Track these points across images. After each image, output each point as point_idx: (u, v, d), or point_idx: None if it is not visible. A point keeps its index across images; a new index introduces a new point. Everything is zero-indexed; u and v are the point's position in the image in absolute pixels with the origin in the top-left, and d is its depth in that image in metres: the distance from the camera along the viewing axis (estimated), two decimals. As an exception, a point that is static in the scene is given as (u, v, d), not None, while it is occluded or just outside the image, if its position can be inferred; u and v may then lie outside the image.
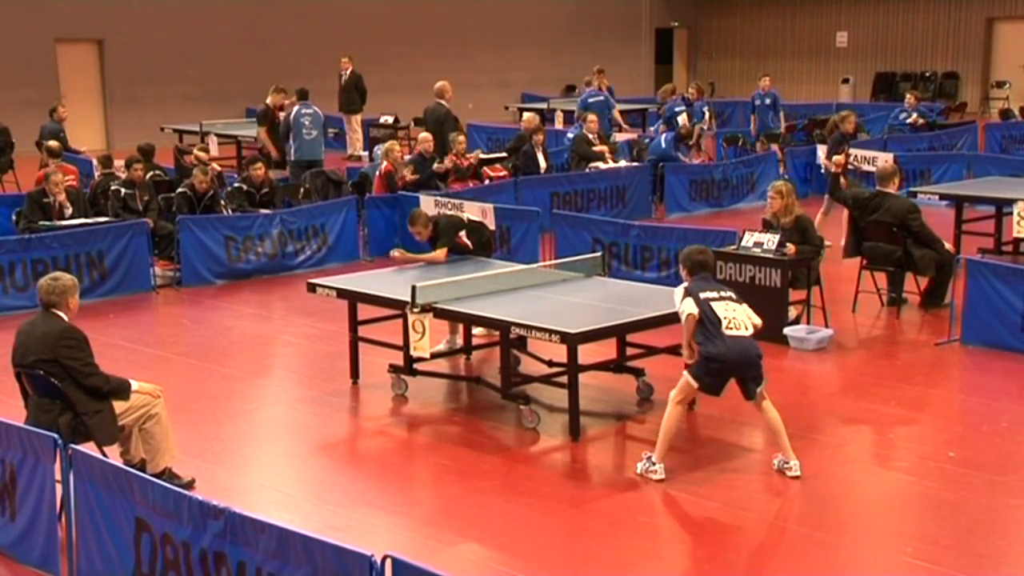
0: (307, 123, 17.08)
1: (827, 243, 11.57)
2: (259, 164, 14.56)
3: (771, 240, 10.35)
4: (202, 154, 14.93)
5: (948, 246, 11.33)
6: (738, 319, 7.36)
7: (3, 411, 7.42)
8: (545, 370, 9.05)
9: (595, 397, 8.94)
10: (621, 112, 20.90)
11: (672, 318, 7.73)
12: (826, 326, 10.50)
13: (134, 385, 7.12)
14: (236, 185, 14.44)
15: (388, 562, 4.77)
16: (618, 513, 7.05)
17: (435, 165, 15.04)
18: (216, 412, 8.96)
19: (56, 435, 6.21)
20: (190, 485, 7.13)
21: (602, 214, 15.11)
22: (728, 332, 7.28)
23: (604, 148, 17.07)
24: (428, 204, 12.20)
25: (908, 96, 21.55)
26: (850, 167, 14.93)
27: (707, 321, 7.31)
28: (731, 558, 6.56)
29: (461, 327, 9.79)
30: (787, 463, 7.45)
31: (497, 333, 8.93)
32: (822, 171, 15.50)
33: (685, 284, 7.56)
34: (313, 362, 10.28)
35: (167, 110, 24.06)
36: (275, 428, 8.84)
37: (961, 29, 31.10)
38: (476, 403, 9.13)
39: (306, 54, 25.93)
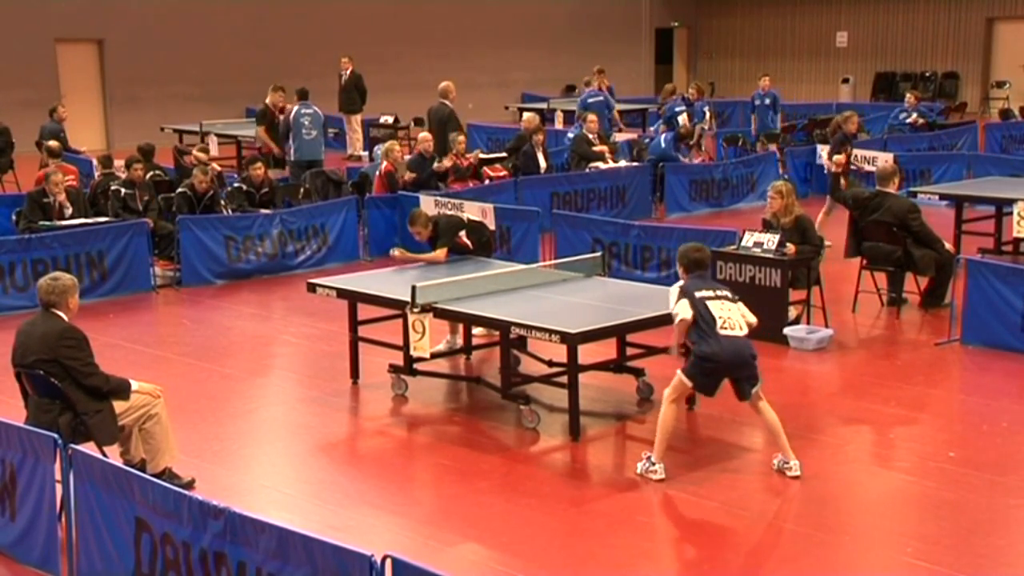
0: (307, 123, 17.07)
1: (827, 243, 11.57)
2: (258, 164, 14.56)
3: (771, 240, 10.35)
4: (202, 154, 14.92)
5: (948, 246, 11.33)
6: (733, 319, 7.36)
7: (3, 411, 7.43)
8: (545, 370, 9.05)
9: (595, 397, 8.94)
10: (619, 112, 20.91)
11: (672, 318, 7.73)
12: (826, 326, 10.50)
13: (134, 385, 7.12)
14: (236, 185, 14.44)
15: (388, 562, 4.77)
16: (618, 513, 7.05)
17: (435, 165, 15.04)
18: (216, 412, 8.96)
19: (56, 435, 6.21)
20: (190, 485, 7.13)
21: (602, 214, 15.11)
22: (723, 332, 7.29)
23: (604, 148, 17.07)
24: (428, 204, 12.20)
25: (908, 96, 21.55)
26: (852, 167, 14.93)
27: (701, 321, 7.31)
28: (731, 558, 6.56)
29: (461, 327, 9.79)
30: (787, 463, 7.45)
31: (497, 333, 8.93)
32: (825, 171, 15.49)
33: (681, 283, 7.55)
34: (313, 362, 10.28)
35: (167, 110, 24.06)
36: (275, 428, 8.84)
37: (961, 29, 31.10)
38: (476, 403, 9.13)
39: (306, 54, 25.93)
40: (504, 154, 17.17)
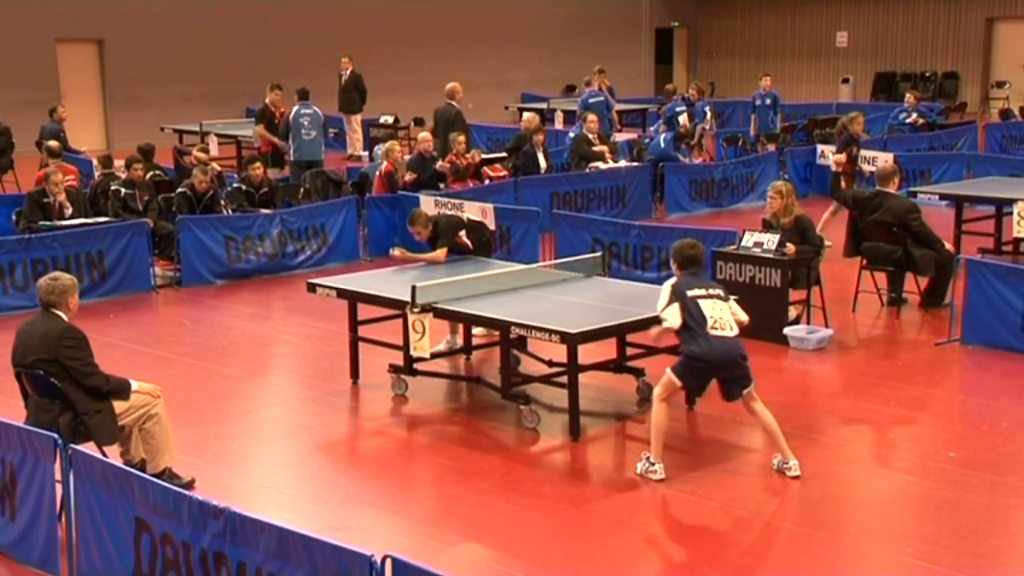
0: (307, 123, 17.08)
1: (827, 243, 11.57)
2: (257, 164, 14.56)
3: (771, 240, 10.35)
4: (202, 154, 14.92)
5: (948, 246, 11.33)
6: (724, 319, 7.36)
7: (3, 411, 7.42)
8: (545, 370, 9.05)
9: (595, 397, 8.94)
10: (618, 112, 20.90)
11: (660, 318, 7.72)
12: (826, 326, 10.50)
13: (134, 385, 7.12)
14: (235, 185, 14.44)
15: (388, 562, 4.77)
16: (618, 513, 7.05)
17: (437, 165, 15.03)
18: (216, 412, 8.96)
19: (56, 435, 6.21)
20: (190, 485, 7.13)
21: (602, 214, 15.11)
22: (713, 332, 7.28)
23: (604, 148, 17.07)
24: (428, 204, 12.20)
25: (908, 96, 21.56)
26: (855, 168, 14.91)
27: (692, 320, 7.31)
28: (731, 558, 6.56)
29: (461, 327, 9.79)
30: (786, 463, 7.45)
31: (497, 333, 8.93)
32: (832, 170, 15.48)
33: (673, 281, 7.52)
34: (313, 362, 10.28)
35: (167, 110, 24.06)
36: (275, 428, 8.84)
37: (961, 29, 31.10)
38: (476, 403, 9.13)
39: (306, 54, 25.93)
40: (504, 154, 17.17)
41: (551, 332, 7.90)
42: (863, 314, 11.30)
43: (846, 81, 32.05)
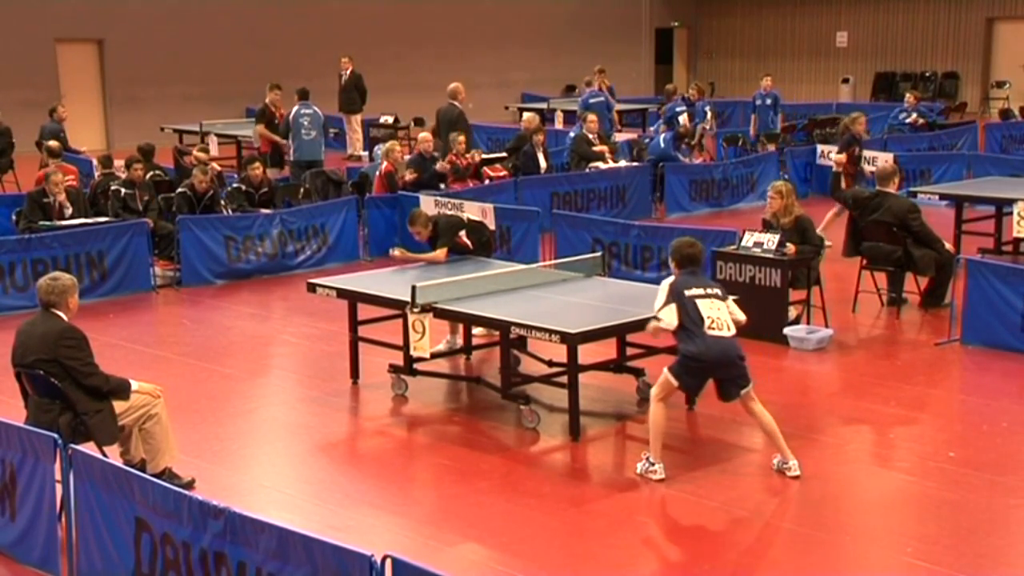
0: (307, 123, 17.08)
1: (827, 243, 11.57)
2: (256, 164, 14.56)
3: (771, 240, 10.35)
4: (202, 154, 14.92)
5: (948, 246, 11.33)
6: (721, 319, 7.35)
7: (3, 411, 7.43)
8: (545, 370, 9.05)
9: (595, 397, 8.94)
10: (619, 112, 20.89)
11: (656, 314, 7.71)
12: (826, 326, 10.50)
13: (134, 385, 7.12)
14: (235, 186, 14.44)
15: (388, 562, 4.77)
16: (618, 513, 7.05)
17: (437, 165, 15.03)
18: (216, 412, 8.96)
19: (56, 435, 6.21)
20: (190, 485, 7.13)
21: (602, 214, 15.11)
22: (710, 332, 7.28)
23: (604, 148, 17.07)
24: (428, 204, 12.20)
25: (908, 96, 21.56)
26: (857, 169, 14.91)
27: (688, 320, 7.31)
28: (731, 558, 6.56)
29: (461, 327, 9.79)
30: (785, 463, 7.45)
31: (497, 333, 8.93)
32: (833, 170, 15.49)
33: (671, 280, 7.51)
34: (313, 362, 10.28)
35: (167, 110, 24.05)
36: (275, 428, 8.84)
37: (961, 29, 31.10)
38: (476, 403, 9.13)
39: (306, 54, 25.93)
40: (504, 154, 17.17)
41: (551, 332, 7.90)
42: (863, 314, 11.30)
43: (846, 81, 32.05)
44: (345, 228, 14.07)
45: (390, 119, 22.34)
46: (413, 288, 8.48)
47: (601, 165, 16.62)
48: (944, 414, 8.97)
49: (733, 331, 7.38)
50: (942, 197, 13.94)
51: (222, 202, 13.91)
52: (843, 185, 14.13)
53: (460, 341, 9.95)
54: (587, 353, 8.57)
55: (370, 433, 8.78)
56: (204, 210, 13.50)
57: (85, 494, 5.98)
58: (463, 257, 10.12)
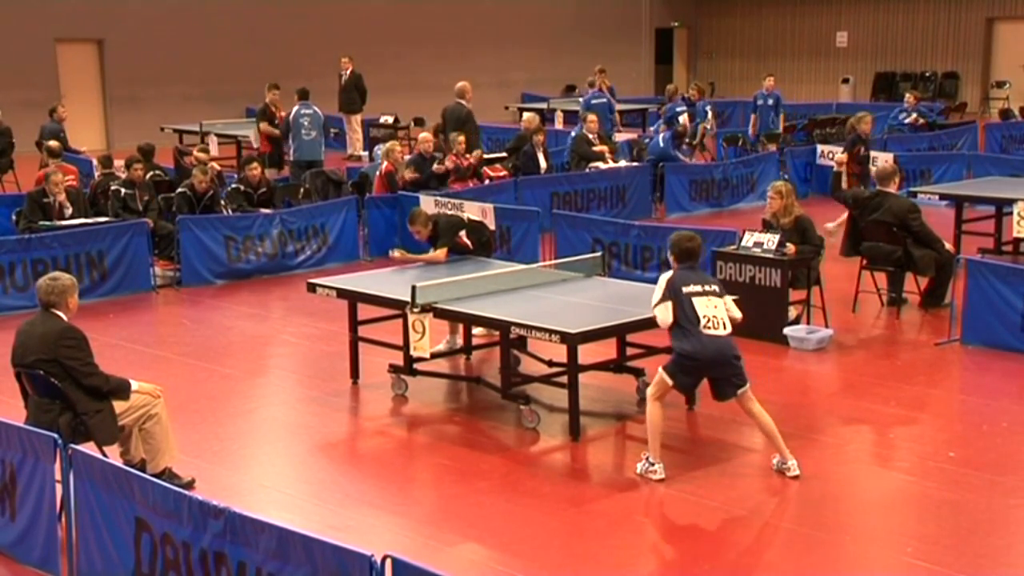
0: (307, 123, 17.09)
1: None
2: (255, 164, 14.54)
3: (771, 240, 10.35)
4: (202, 155, 14.92)
5: (948, 246, 11.33)
6: (718, 317, 7.34)
7: (3, 411, 7.42)
8: (545, 370, 9.05)
9: (595, 397, 8.94)
10: (619, 112, 20.90)
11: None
12: (826, 326, 10.50)
13: (134, 385, 7.12)
14: (233, 186, 14.43)
15: (388, 562, 4.77)
16: (618, 513, 7.05)
17: (435, 166, 15.03)
18: (216, 412, 8.96)
19: (56, 435, 6.21)
20: (190, 485, 7.13)
21: (602, 214, 15.11)
22: (706, 331, 7.28)
23: (604, 148, 17.07)
24: (428, 204, 12.20)
25: (907, 96, 21.56)
26: (863, 170, 14.89)
27: (684, 319, 7.30)
28: (730, 558, 6.57)
29: (461, 327, 9.79)
30: (785, 463, 7.45)
31: (497, 333, 8.93)
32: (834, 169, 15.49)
33: (669, 275, 7.49)
34: (313, 362, 10.28)
35: (167, 110, 24.05)
36: (275, 428, 8.84)
37: (961, 29, 31.10)
38: (476, 403, 9.13)
39: (306, 54, 25.93)
40: (504, 154, 17.17)
41: (551, 332, 7.90)
42: (863, 314, 11.30)
43: (846, 81, 32.06)
44: (345, 228, 14.07)
45: (390, 119, 22.35)
46: (413, 288, 8.48)
47: (601, 165, 16.63)
48: (944, 414, 8.97)
49: (729, 329, 7.38)
50: (942, 197, 13.94)
51: (222, 202, 13.91)
52: (845, 185, 14.11)
53: (460, 341, 9.95)
54: (587, 353, 8.57)
55: (370, 433, 8.78)
56: (204, 210, 13.50)
57: (85, 494, 5.98)
58: (463, 257, 10.12)
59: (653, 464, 7.44)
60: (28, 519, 6.33)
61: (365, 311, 9.43)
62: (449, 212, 11.20)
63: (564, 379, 8.37)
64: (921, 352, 10.23)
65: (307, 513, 7.10)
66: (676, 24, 35.18)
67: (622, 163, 17.23)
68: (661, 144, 17.16)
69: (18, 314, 10.60)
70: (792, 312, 10.45)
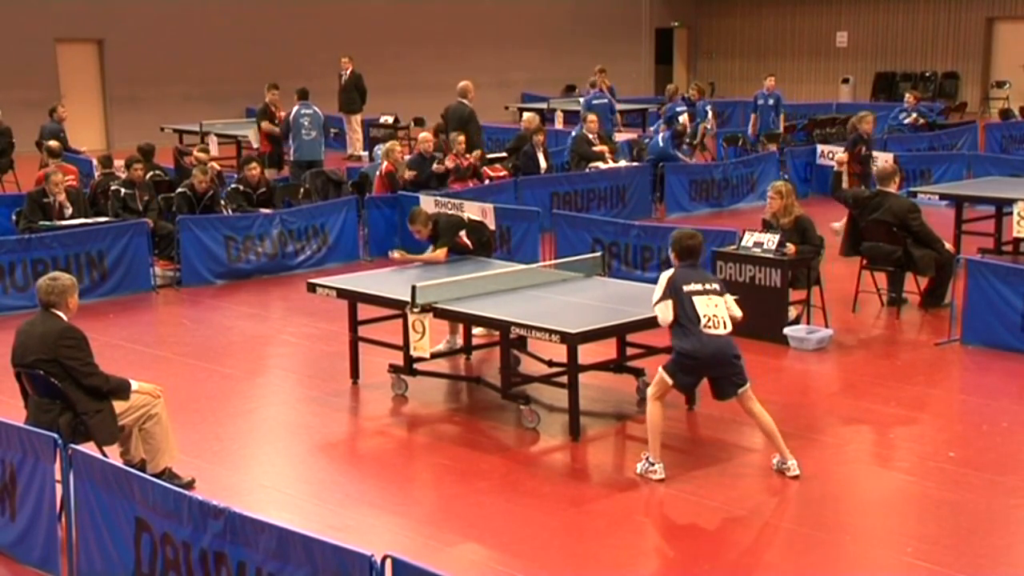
0: (307, 123, 17.08)
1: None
2: (253, 164, 14.54)
3: (771, 240, 10.35)
4: (202, 155, 14.92)
5: (948, 246, 11.33)
6: (719, 316, 7.33)
7: (3, 411, 7.42)
8: (545, 370, 9.05)
9: (595, 397, 8.94)
10: (620, 112, 20.90)
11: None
12: (826, 326, 10.50)
13: (134, 385, 7.12)
14: (233, 186, 14.43)
15: (388, 562, 4.77)
16: (618, 513, 7.05)
17: (435, 165, 15.03)
18: (216, 412, 8.96)
19: (56, 435, 6.21)
20: (190, 485, 7.13)
21: (602, 214, 15.11)
22: (706, 330, 7.27)
23: (604, 148, 17.07)
24: (428, 204, 12.20)
25: (908, 96, 21.56)
26: (865, 169, 14.88)
27: (684, 318, 7.30)
28: (730, 558, 6.56)
29: (461, 327, 9.79)
30: (785, 463, 7.45)
31: (497, 333, 8.93)
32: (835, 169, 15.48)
33: (670, 273, 7.47)
34: (313, 362, 10.28)
35: (167, 110, 24.05)
36: (275, 428, 8.84)
37: (961, 29, 31.10)
38: (476, 403, 9.13)
39: (306, 54, 25.93)
40: (504, 154, 17.17)
41: (551, 332, 7.89)
42: (863, 314, 11.30)
43: (846, 81, 32.06)
44: (345, 228, 14.06)
45: (390, 119, 22.34)
46: (413, 288, 8.48)
47: (601, 165, 16.63)
48: (944, 414, 8.96)
49: (729, 328, 7.38)
50: (942, 197, 13.94)
51: (222, 202, 13.91)
52: (846, 184, 14.11)
53: (460, 341, 9.95)
54: (587, 353, 8.57)
55: (370, 433, 8.78)
56: (204, 210, 13.50)
57: (85, 494, 5.98)
58: (463, 257, 10.12)
59: (653, 464, 7.44)
60: (28, 519, 6.33)
61: (365, 311, 9.43)
62: (449, 212, 11.20)
63: (564, 379, 8.37)
64: (921, 352, 10.23)
65: (307, 513, 7.10)
66: (676, 24, 35.18)
67: (622, 163, 17.23)
68: (661, 144, 17.16)
69: (18, 314, 10.60)
70: (792, 312, 10.45)
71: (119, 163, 14.49)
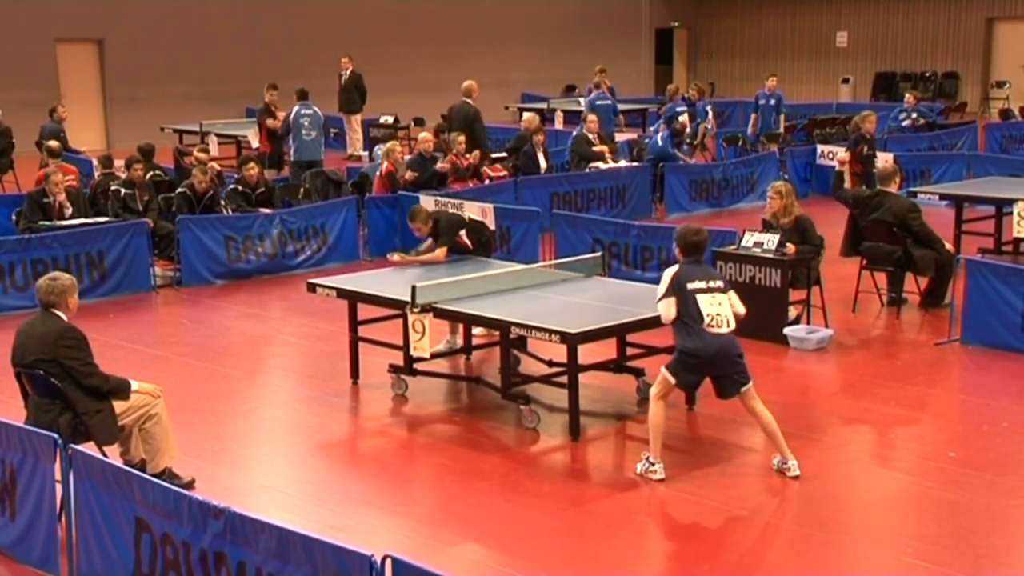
0: (307, 123, 17.08)
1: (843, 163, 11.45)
2: (251, 164, 14.52)
3: (771, 240, 10.35)
4: (202, 155, 14.92)
5: (948, 246, 11.33)
6: (722, 314, 7.32)
7: (3, 411, 7.42)
8: (545, 370, 9.05)
9: (595, 397, 8.94)
10: (622, 112, 20.91)
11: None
12: (826, 326, 10.50)
13: (134, 385, 7.12)
14: (232, 186, 14.43)
15: (388, 562, 4.77)
16: (618, 513, 7.05)
17: (438, 165, 15.02)
18: (216, 412, 8.96)
19: (56, 435, 6.21)
20: (190, 485, 7.13)
21: (602, 214, 15.11)
22: (709, 329, 7.27)
23: (604, 148, 17.08)
24: (428, 204, 12.19)
25: (908, 96, 21.56)
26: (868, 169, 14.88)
27: (687, 316, 7.29)
28: (731, 558, 6.56)
29: (461, 327, 9.79)
30: (785, 463, 7.45)
31: (497, 333, 8.93)
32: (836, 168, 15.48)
33: (674, 270, 7.46)
34: (313, 362, 10.28)
35: (167, 110, 24.04)
36: (275, 428, 8.84)
37: (961, 29, 31.11)
38: (476, 403, 9.13)
39: (306, 54, 25.93)
40: (504, 154, 17.17)
41: (551, 332, 7.89)
42: (863, 314, 11.30)
43: (846, 81, 32.06)
44: (345, 228, 14.07)
45: (390, 119, 22.35)
46: (413, 288, 8.48)
47: (601, 165, 16.63)
48: (944, 414, 8.96)
49: (733, 326, 7.37)
50: (942, 197, 13.94)
51: (222, 202, 13.90)
52: (848, 184, 14.11)
53: (460, 341, 9.95)
54: (587, 353, 8.57)
55: (370, 433, 8.78)
56: (204, 210, 13.50)
57: (85, 494, 5.98)
58: (463, 257, 10.12)
59: (653, 464, 7.44)
60: (28, 519, 6.33)
61: (365, 311, 9.43)
62: (450, 211, 11.20)
63: (564, 379, 8.37)
64: (921, 352, 10.23)
65: (307, 513, 7.10)
66: (676, 24, 35.18)
67: (622, 163, 17.24)
68: (660, 143, 17.16)
69: (18, 314, 10.60)
70: (792, 312, 10.45)
71: (119, 163, 14.49)
